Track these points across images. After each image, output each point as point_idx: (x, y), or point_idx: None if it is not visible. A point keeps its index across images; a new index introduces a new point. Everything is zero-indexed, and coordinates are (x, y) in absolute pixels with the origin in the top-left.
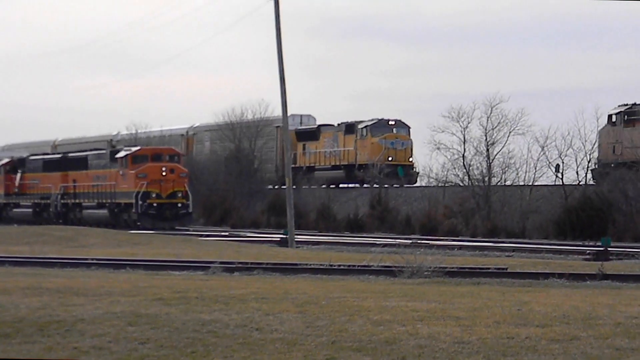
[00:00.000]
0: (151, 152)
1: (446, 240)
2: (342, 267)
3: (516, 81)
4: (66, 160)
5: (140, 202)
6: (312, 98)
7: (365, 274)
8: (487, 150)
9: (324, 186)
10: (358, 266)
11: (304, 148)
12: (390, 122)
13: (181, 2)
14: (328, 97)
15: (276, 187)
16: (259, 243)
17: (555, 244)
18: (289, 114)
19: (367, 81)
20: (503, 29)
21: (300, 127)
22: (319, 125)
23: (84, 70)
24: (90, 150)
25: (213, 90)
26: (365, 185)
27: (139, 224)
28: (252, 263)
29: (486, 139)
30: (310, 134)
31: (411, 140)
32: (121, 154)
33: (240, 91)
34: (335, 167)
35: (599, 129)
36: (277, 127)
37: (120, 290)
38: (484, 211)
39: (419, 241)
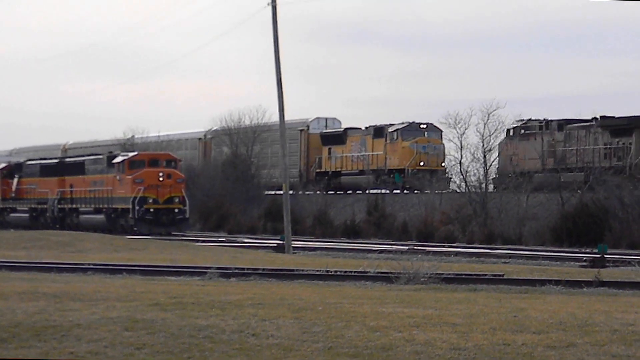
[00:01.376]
0: (148, 158)
1: (443, 246)
2: (338, 273)
3: (513, 87)
4: (63, 165)
5: (137, 208)
6: (310, 103)
7: (361, 280)
8: (484, 156)
9: (349, 192)
10: (354, 272)
11: (329, 152)
12: (421, 126)
13: (180, 6)
14: (326, 102)
15: (300, 192)
16: (256, 249)
17: (552, 250)
18: (313, 117)
19: (365, 86)
20: (500, 35)
21: (325, 131)
22: (346, 129)
23: (81, 74)
24: (88, 155)
25: (212, 95)
26: (395, 191)
27: (135, 229)
28: (248, 269)
29: (483, 146)
30: (336, 138)
31: (443, 144)
32: (118, 159)
33: (240, 96)
34: (362, 172)
35: (499, 142)
36: (301, 130)
37: (116, 296)
38: (481, 218)
39: (415, 247)
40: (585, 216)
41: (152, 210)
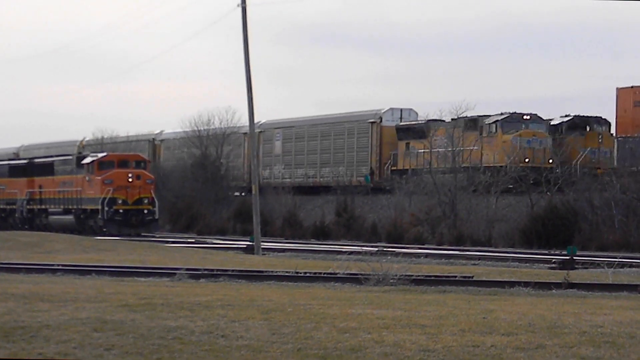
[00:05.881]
0: (117, 159)
1: (412, 248)
2: (308, 274)
3: (482, 90)
4: (32, 166)
5: (106, 209)
6: (280, 105)
7: (331, 282)
8: (454, 158)
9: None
10: (324, 273)
11: (407, 147)
12: (525, 117)
13: (151, 9)
14: (296, 105)
15: (368, 193)
16: (225, 250)
17: (521, 252)
18: (386, 108)
19: (335, 89)
20: (471, 37)
21: (402, 123)
22: (428, 121)
23: (54, 75)
24: (57, 155)
25: (184, 96)
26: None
27: (104, 230)
28: (218, 270)
29: (452, 147)
30: (416, 131)
31: (549, 137)
32: (87, 159)
33: (211, 97)
34: (450, 170)
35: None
36: (372, 122)
37: (85, 297)
38: (450, 219)
39: (385, 249)
40: (554, 218)
41: (121, 211)
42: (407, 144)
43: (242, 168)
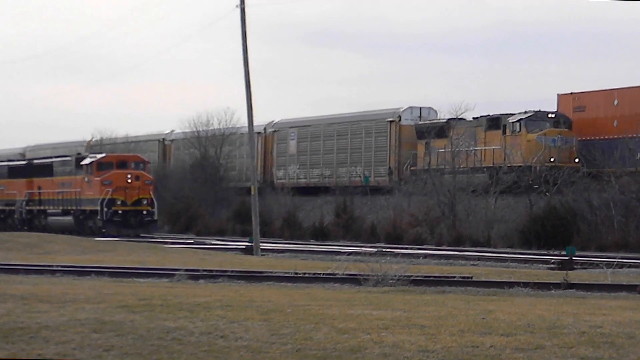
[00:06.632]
0: (116, 160)
1: (411, 248)
2: (307, 275)
3: (481, 91)
4: (31, 167)
5: (105, 209)
6: (274, 105)
7: (330, 282)
8: (453, 159)
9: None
10: (323, 274)
11: (426, 147)
12: (549, 115)
13: (149, 9)
14: (295, 105)
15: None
16: (224, 251)
17: (520, 253)
18: (405, 107)
19: (335, 89)
20: (467, 38)
21: (421, 122)
22: (449, 119)
23: (50, 76)
24: (56, 156)
25: (184, 96)
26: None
27: (104, 230)
28: (217, 271)
29: (452, 148)
30: (437, 130)
31: (575, 137)
32: (86, 160)
33: (214, 98)
34: (473, 170)
35: None
36: (390, 121)
37: (85, 297)
38: (449, 220)
39: (384, 249)
40: (553, 219)
41: (120, 212)
42: (427, 143)
43: (257, 168)
